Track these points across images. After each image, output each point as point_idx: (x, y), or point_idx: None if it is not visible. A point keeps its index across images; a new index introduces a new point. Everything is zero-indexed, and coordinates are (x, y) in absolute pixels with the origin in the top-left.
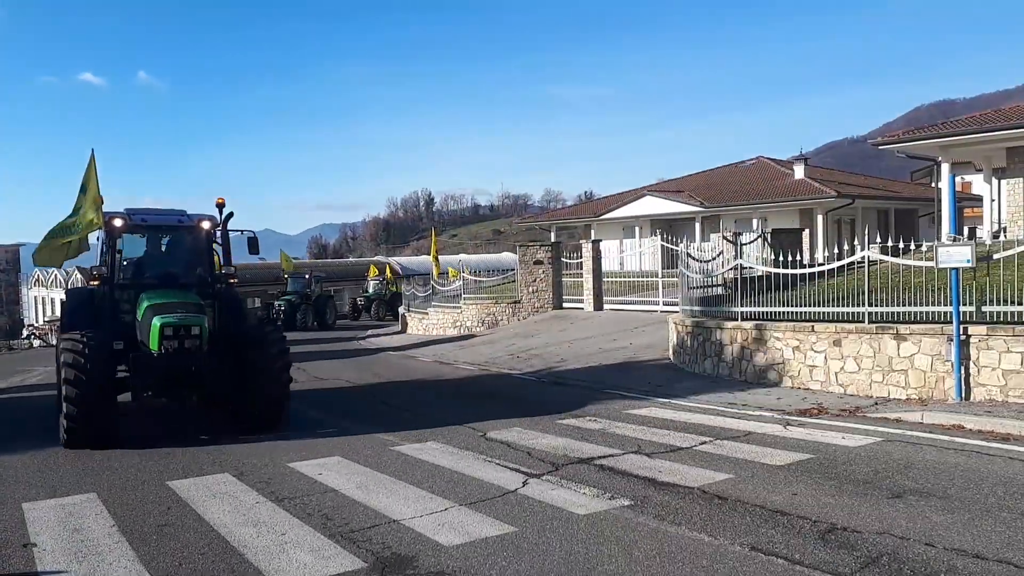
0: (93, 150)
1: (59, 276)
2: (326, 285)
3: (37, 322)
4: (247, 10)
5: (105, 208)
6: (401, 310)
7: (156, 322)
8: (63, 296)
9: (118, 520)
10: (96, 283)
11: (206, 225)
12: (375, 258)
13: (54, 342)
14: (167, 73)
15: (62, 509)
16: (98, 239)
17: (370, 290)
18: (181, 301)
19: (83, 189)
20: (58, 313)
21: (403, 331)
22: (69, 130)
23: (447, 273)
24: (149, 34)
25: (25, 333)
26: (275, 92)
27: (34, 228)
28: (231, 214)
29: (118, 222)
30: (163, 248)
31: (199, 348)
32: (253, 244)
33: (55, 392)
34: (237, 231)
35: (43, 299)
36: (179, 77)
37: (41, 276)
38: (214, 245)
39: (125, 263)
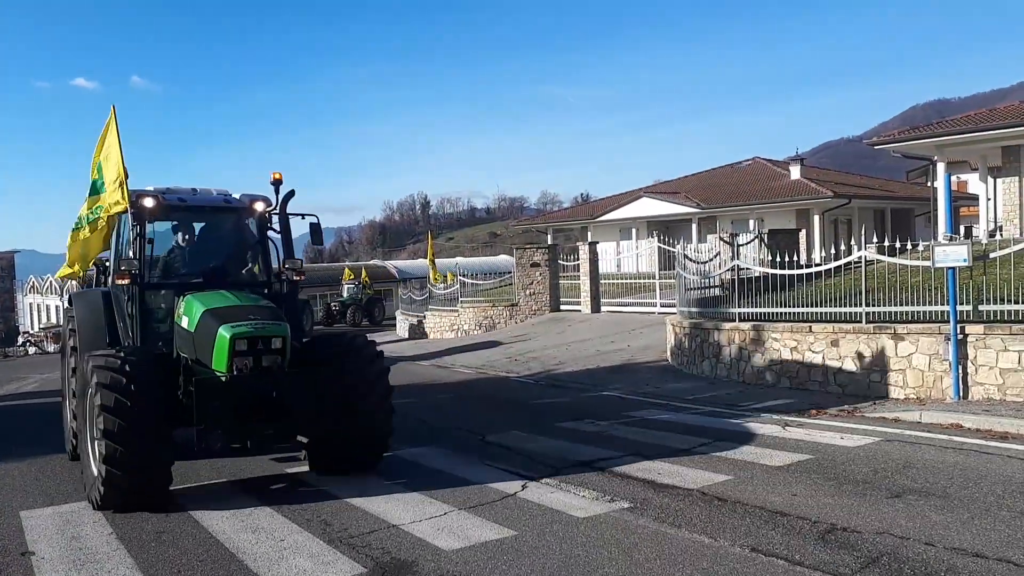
0: (114, 107)
1: (54, 283)
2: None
3: (32, 329)
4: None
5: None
6: (398, 314)
7: (225, 333)
8: (64, 302)
9: (116, 528)
10: (123, 281)
11: (260, 207)
12: (371, 261)
13: (50, 349)
14: (161, 77)
15: (60, 517)
16: (115, 228)
17: (345, 295)
18: (250, 304)
19: (97, 168)
20: (54, 320)
21: (410, 337)
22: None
23: (444, 276)
24: (142, 38)
25: (20, 340)
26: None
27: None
28: (291, 193)
29: (149, 203)
30: (205, 237)
31: (281, 367)
32: (316, 232)
33: (49, 400)
34: (297, 215)
35: (38, 306)
36: (173, 81)
37: (36, 283)
38: (269, 232)
39: (157, 257)
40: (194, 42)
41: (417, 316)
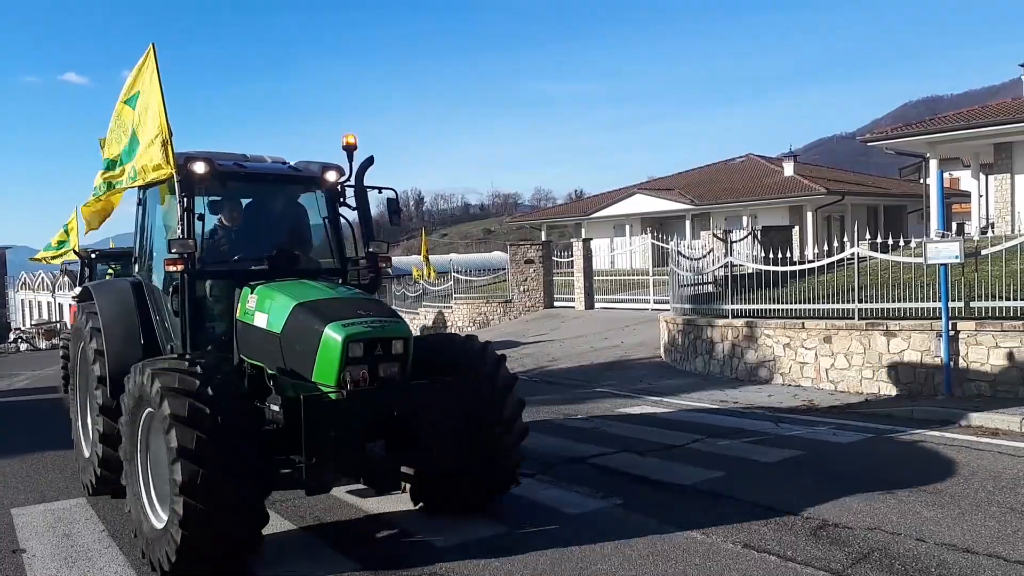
0: (153, 45)
1: (46, 278)
2: None
3: (24, 326)
4: (232, 8)
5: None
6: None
7: (335, 335)
8: (61, 298)
9: (108, 525)
10: (175, 268)
11: (332, 177)
12: None
13: (42, 346)
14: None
15: (51, 514)
16: (141, 200)
17: None
18: (356, 298)
19: (126, 125)
20: (46, 316)
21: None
22: (53, 131)
23: (423, 272)
24: (132, 32)
25: (12, 337)
26: (262, 89)
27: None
28: (370, 161)
29: (200, 168)
30: (263, 213)
31: (404, 379)
32: (393, 208)
33: (41, 397)
34: (374, 188)
35: (30, 302)
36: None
37: (28, 279)
38: (340, 208)
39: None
40: (186, 37)
41: (411, 313)
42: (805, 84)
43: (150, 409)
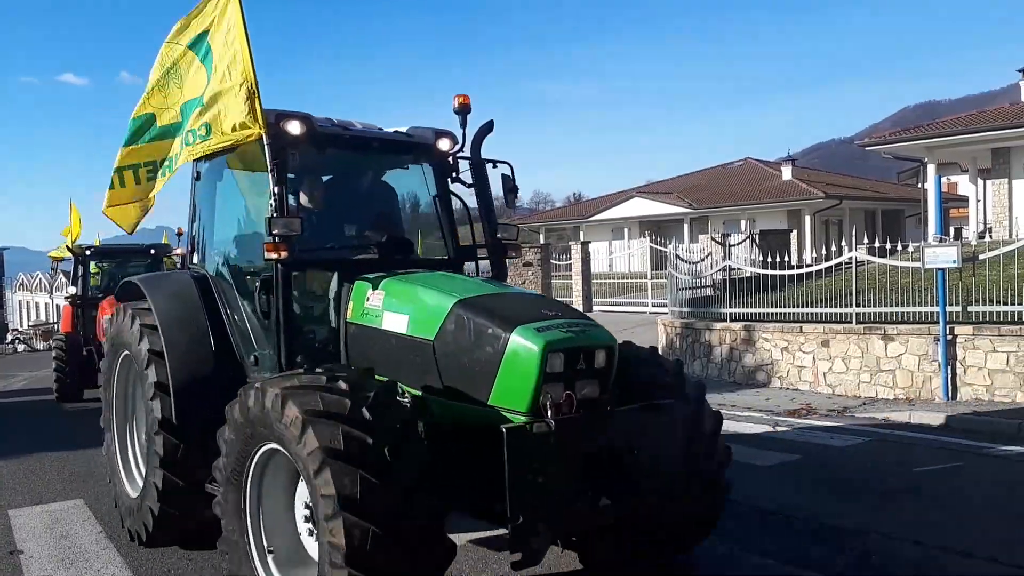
0: None
1: (43, 279)
2: None
3: (22, 327)
4: None
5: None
6: None
7: (530, 343)
8: (64, 299)
9: (105, 527)
10: (276, 256)
11: (445, 146)
12: None
13: (40, 347)
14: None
15: (48, 516)
16: (197, 174)
17: None
18: (526, 295)
19: (182, 76)
20: (43, 317)
21: None
22: (51, 132)
23: None
24: (130, 33)
25: (9, 338)
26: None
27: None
28: (489, 127)
29: (296, 127)
30: (360, 189)
31: (610, 402)
32: (509, 186)
33: (38, 398)
34: (488, 161)
35: (27, 303)
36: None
37: (26, 280)
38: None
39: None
40: None
41: None
42: (803, 88)
43: (271, 445)
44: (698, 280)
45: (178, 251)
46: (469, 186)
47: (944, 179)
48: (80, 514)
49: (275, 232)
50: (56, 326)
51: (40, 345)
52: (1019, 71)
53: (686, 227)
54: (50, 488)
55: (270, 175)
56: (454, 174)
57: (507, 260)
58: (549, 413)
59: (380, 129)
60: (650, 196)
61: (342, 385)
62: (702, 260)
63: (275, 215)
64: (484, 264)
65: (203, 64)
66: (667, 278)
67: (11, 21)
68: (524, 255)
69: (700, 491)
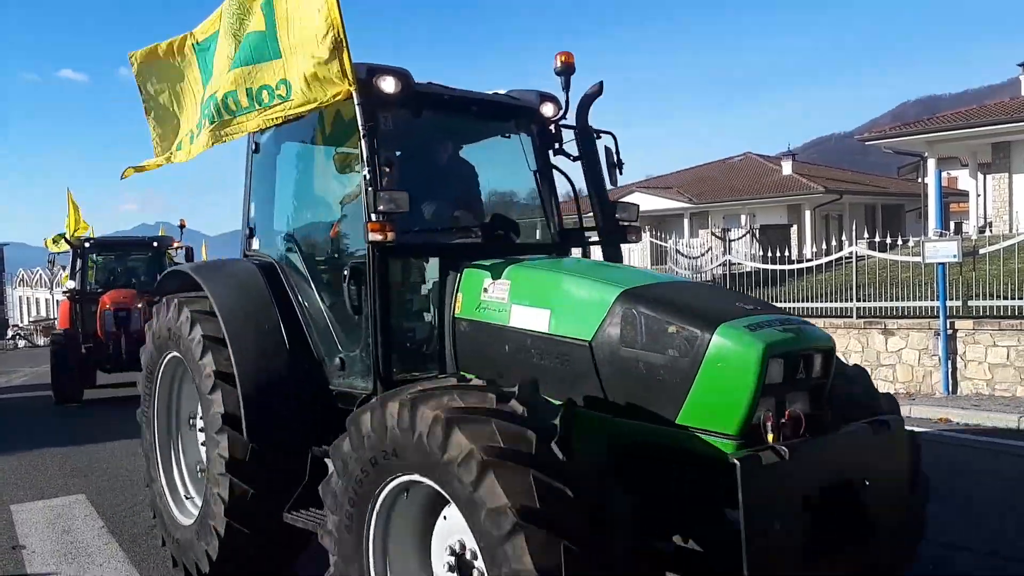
0: None
1: (44, 275)
2: None
3: (22, 322)
4: None
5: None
6: None
7: (745, 345)
8: (63, 293)
9: (107, 521)
10: (382, 238)
11: (549, 112)
12: None
13: (40, 343)
14: None
15: (51, 511)
16: (254, 146)
17: None
18: (697, 283)
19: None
20: (43, 313)
21: None
22: (51, 128)
23: None
24: (129, 30)
25: (10, 334)
26: None
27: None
28: (598, 90)
29: (391, 84)
30: (450, 162)
31: (828, 418)
32: (613, 160)
33: (39, 394)
34: (595, 131)
35: (27, 299)
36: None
37: (26, 276)
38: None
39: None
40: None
41: None
42: (804, 83)
43: (416, 478)
44: (698, 275)
45: (176, 244)
46: (574, 159)
47: (944, 174)
48: (82, 509)
49: (380, 209)
50: (56, 322)
51: (41, 341)
52: (1019, 65)
53: (686, 222)
54: (52, 483)
55: (362, 142)
56: (556, 144)
57: (625, 242)
58: (770, 437)
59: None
60: (650, 191)
61: (517, 407)
62: (702, 255)
63: (375, 189)
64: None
65: (268, 10)
66: (667, 272)
67: (11, 17)
68: None
69: (903, 516)
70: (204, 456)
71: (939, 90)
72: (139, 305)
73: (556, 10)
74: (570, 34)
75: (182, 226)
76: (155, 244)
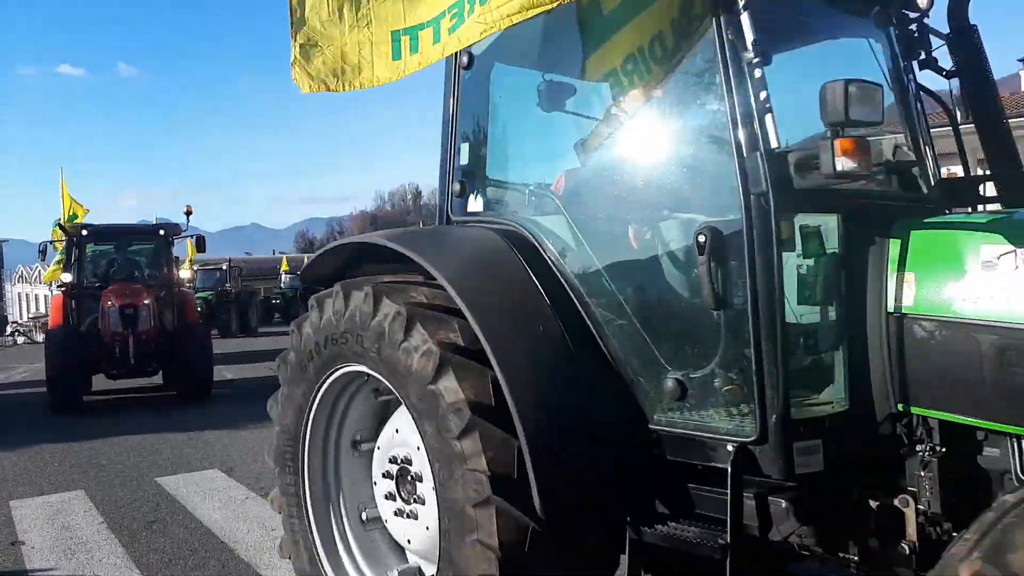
0: None
1: (42, 272)
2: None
3: (21, 319)
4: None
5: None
6: None
7: None
8: (57, 287)
9: (107, 517)
10: (857, 165)
11: (923, 2)
12: None
13: (39, 339)
14: (148, 64)
15: (50, 507)
16: (469, 55)
17: (286, 284)
18: None
19: None
20: (43, 310)
21: None
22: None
23: None
24: (129, 26)
25: (9, 330)
26: (259, 83)
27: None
28: None
29: None
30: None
31: None
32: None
33: (39, 391)
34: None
35: (27, 295)
36: (160, 68)
37: (25, 272)
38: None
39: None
40: (182, 29)
41: None
42: None
43: None
44: None
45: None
46: (947, 75)
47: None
48: (81, 505)
49: (839, 168)
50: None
51: (40, 337)
52: (1019, 60)
53: None
54: (51, 479)
55: (721, 38)
56: (923, 54)
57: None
58: None
59: None
60: None
61: None
62: None
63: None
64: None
65: None
66: None
67: (12, 14)
68: None
69: None
70: (379, 501)
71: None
72: (146, 302)
73: None
74: None
75: (189, 213)
76: (161, 232)
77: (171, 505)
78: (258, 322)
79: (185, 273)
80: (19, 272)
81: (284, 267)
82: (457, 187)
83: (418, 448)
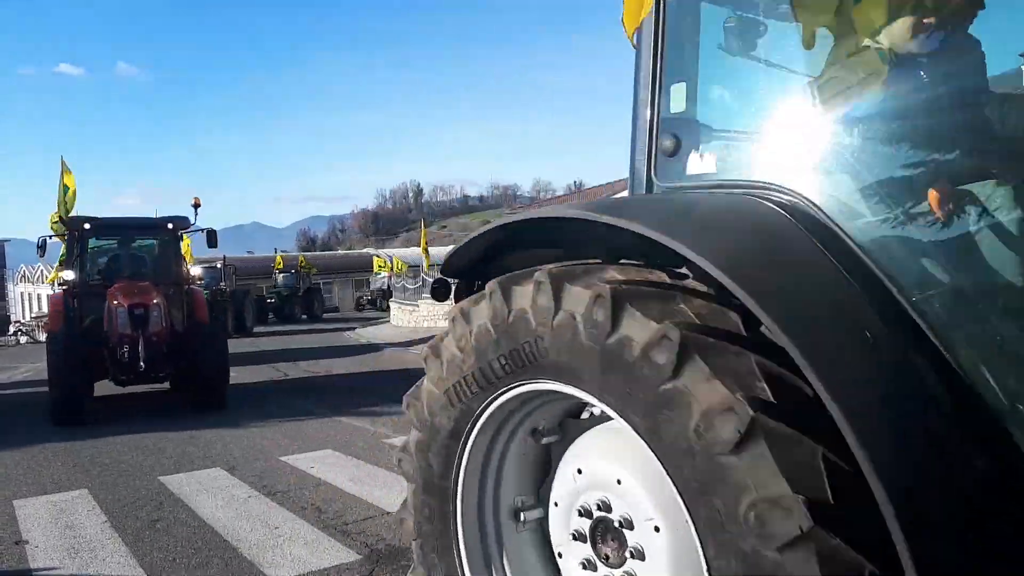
0: None
1: (44, 272)
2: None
3: (24, 318)
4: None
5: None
6: (392, 304)
7: None
8: (59, 285)
9: (110, 516)
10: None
11: None
12: (364, 250)
13: (42, 338)
14: (147, 63)
15: (53, 506)
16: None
17: (280, 282)
18: None
19: None
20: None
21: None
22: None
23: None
24: (128, 25)
25: (12, 330)
26: (260, 81)
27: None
28: None
29: None
30: None
31: None
32: None
33: (42, 390)
34: None
35: (29, 295)
36: (160, 67)
37: (27, 272)
38: None
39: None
40: (182, 29)
41: (411, 305)
42: None
43: None
44: None
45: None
46: None
47: None
48: (85, 504)
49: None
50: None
51: (42, 337)
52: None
53: None
54: (55, 478)
55: None
56: None
57: None
58: None
59: None
60: None
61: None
62: None
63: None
64: None
65: None
66: None
67: (12, 14)
68: None
69: None
70: None
71: None
72: (156, 301)
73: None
74: (567, 21)
75: (197, 205)
76: (169, 225)
77: (174, 504)
78: (253, 321)
79: (196, 270)
80: (22, 272)
81: (278, 265)
82: (669, 142)
83: (618, 482)
